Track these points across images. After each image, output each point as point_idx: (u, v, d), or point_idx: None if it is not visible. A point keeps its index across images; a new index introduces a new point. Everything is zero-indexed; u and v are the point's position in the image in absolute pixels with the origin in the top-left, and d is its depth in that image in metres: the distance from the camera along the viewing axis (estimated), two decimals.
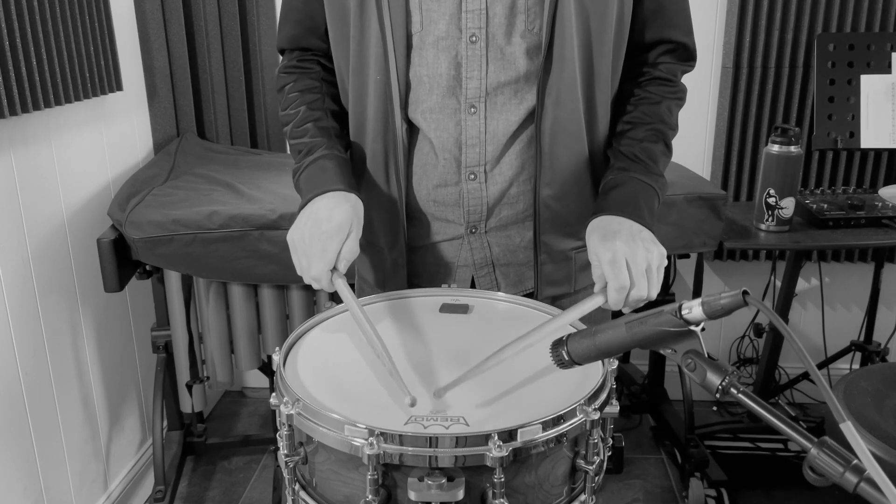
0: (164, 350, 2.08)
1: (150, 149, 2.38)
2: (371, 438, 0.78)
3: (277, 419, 0.89)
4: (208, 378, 2.07)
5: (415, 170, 1.16)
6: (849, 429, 0.61)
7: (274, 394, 0.91)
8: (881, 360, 2.56)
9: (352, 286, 1.06)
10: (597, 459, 0.87)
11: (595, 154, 1.16)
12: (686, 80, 1.22)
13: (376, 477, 0.79)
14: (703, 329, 0.75)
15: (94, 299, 2.05)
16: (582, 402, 0.84)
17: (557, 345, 0.84)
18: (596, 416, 0.84)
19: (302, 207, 1.10)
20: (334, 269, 1.03)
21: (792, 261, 2.37)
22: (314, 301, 1.98)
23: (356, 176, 1.17)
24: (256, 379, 2.89)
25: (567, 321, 0.97)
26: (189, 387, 2.07)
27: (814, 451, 0.67)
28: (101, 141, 2.09)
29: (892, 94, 2.25)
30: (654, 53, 1.18)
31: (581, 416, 0.84)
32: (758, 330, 2.71)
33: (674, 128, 1.18)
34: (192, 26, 2.38)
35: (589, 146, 1.15)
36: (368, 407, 0.87)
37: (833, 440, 0.68)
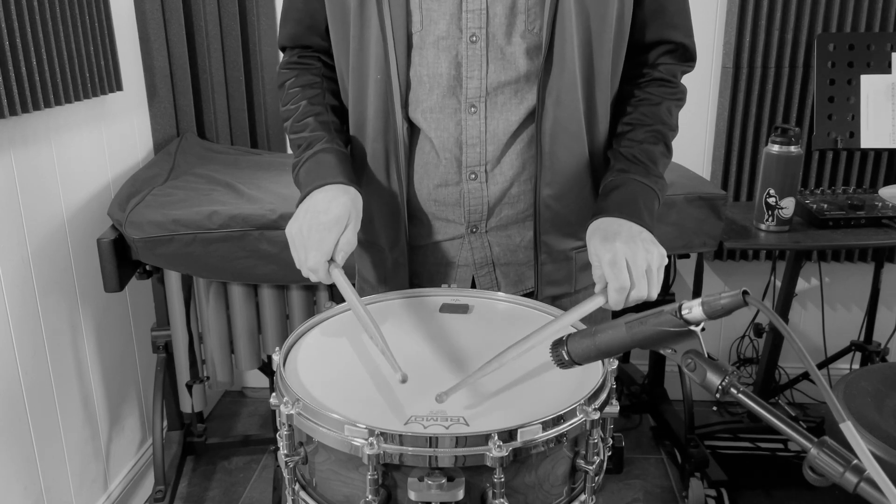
0: (164, 350, 2.08)
1: (150, 149, 2.38)
2: (371, 438, 0.78)
3: (277, 419, 0.89)
4: (208, 378, 2.07)
5: (415, 169, 1.16)
6: (849, 429, 0.61)
7: (274, 394, 0.91)
8: (881, 360, 2.56)
9: (352, 285, 1.06)
10: (597, 459, 0.87)
11: (595, 154, 1.16)
12: (686, 80, 1.22)
13: (376, 477, 0.79)
14: (703, 329, 0.75)
15: (94, 299, 2.05)
16: (582, 402, 0.84)
17: (557, 345, 0.84)
18: (596, 416, 0.84)
19: (301, 201, 1.10)
20: (332, 260, 1.03)
21: (792, 261, 2.37)
22: (314, 301, 1.98)
23: (356, 173, 1.17)
24: (256, 379, 2.89)
25: (568, 322, 0.97)
26: (189, 387, 2.07)
27: (814, 451, 0.67)
28: (101, 141, 2.09)
29: (892, 94, 2.25)
30: (654, 54, 1.19)
31: (581, 416, 0.84)
32: (758, 330, 2.71)
33: (674, 129, 1.18)
34: (192, 26, 2.38)
35: (589, 146, 1.15)
36: (368, 407, 0.87)
37: (833, 440, 0.68)
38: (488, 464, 0.78)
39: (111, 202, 1.94)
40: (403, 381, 0.88)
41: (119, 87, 2.07)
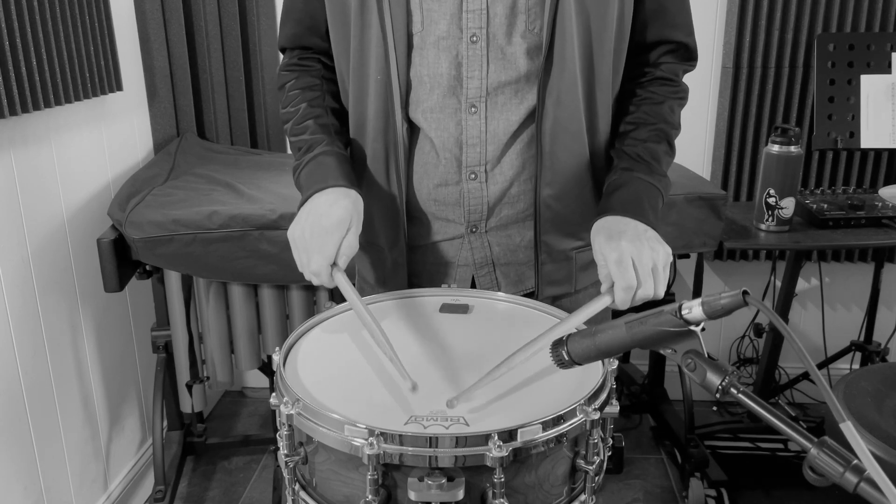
0: (164, 350, 2.08)
1: (150, 149, 2.38)
2: (371, 438, 0.78)
3: (277, 419, 0.89)
4: (208, 378, 2.07)
5: (415, 169, 1.16)
6: (849, 429, 0.61)
7: (274, 394, 0.91)
8: (881, 360, 2.56)
9: (355, 289, 1.06)
10: (597, 459, 0.87)
11: (596, 154, 1.16)
12: (686, 80, 1.22)
13: (376, 477, 0.79)
14: (703, 329, 0.75)
15: (94, 299, 2.05)
16: (582, 402, 0.84)
17: (557, 345, 0.84)
18: (596, 416, 0.84)
19: (302, 204, 1.10)
20: (334, 264, 1.03)
21: (792, 261, 2.37)
22: (314, 301, 1.98)
23: (356, 174, 1.17)
24: (256, 379, 2.89)
25: (575, 323, 0.97)
26: (189, 387, 2.07)
27: (814, 451, 0.67)
28: (101, 141, 2.09)
29: (892, 94, 2.25)
30: (656, 53, 1.19)
31: (581, 416, 0.84)
32: (758, 330, 2.71)
33: (676, 127, 1.18)
34: (192, 26, 2.38)
35: (590, 146, 1.15)
36: (368, 407, 0.87)
37: (833, 440, 0.68)
38: (488, 464, 0.78)
39: (111, 202, 1.94)
40: (413, 389, 0.88)
41: (119, 87, 2.07)
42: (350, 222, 1.05)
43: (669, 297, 2.41)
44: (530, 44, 1.08)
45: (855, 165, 2.51)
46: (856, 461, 0.65)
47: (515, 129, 1.12)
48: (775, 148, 2.06)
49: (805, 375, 2.66)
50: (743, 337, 2.80)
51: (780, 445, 2.55)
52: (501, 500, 0.79)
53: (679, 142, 1.20)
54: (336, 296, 1.95)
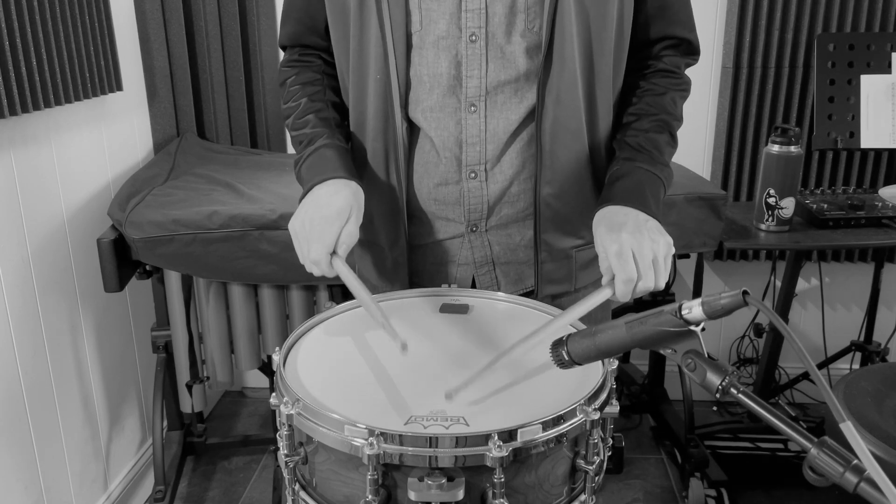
0: (164, 350, 2.08)
1: (150, 149, 2.38)
2: (371, 438, 0.78)
3: (277, 419, 0.89)
4: (208, 378, 2.07)
5: (415, 168, 1.16)
6: (849, 429, 0.61)
7: (274, 394, 0.91)
8: (881, 360, 2.55)
9: (354, 272, 1.07)
10: (597, 459, 0.87)
11: (596, 152, 1.16)
12: None
13: (376, 477, 0.79)
14: (703, 329, 0.75)
15: (94, 299, 2.05)
16: (582, 402, 0.84)
17: (557, 345, 0.84)
18: (596, 416, 0.84)
19: (303, 196, 1.11)
20: (333, 252, 1.04)
21: (792, 261, 2.36)
22: (314, 301, 1.98)
23: (357, 171, 1.17)
24: (256, 379, 2.89)
25: (576, 315, 0.97)
26: (189, 387, 2.06)
27: (814, 451, 0.67)
28: (101, 141, 2.09)
29: (892, 94, 2.25)
30: (658, 48, 1.19)
31: (581, 416, 0.84)
32: (758, 330, 2.71)
33: (678, 119, 1.18)
34: (192, 26, 2.38)
35: (589, 145, 1.15)
36: (368, 407, 0.87)
37: (833, 440, 0.68)
38: (488, 464, 0.78)
39: (111, 202, 1.94)
40: (404, 348, 0.90)
41: (119, 87, 2.07)
42: (350, 212, 1.06)
43: (669, 297, 2.41)
44: (530, 43, 1.08)
45: (855, 165, 2.51)
46: (856, 461, 0.65)
47: (515, 128, 1.12)
48: (775, 148, 2.06)
49: (805, 375, 2.66)
50: (743, 337, 2.80)
51: (780, 445, 2.55)
52: (501, 500, 0.79)
53: (679, 142, 1.20)
54: (336, 296, 1.95)
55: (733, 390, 0.73)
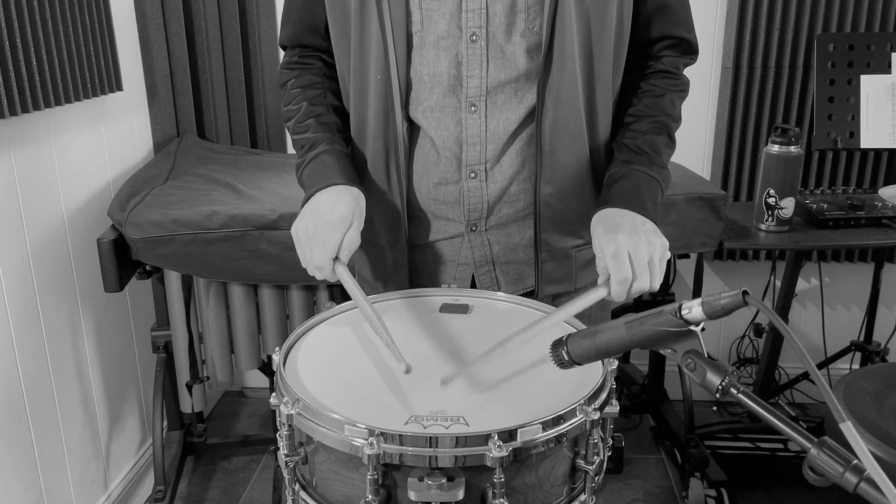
0: (164, 350, 2.08)
1: (150, 149, 2.38)
2: (371, 438, 0.78)
3: (277, 419, 0.89)
4: (208, 378, 2.07)
5: (415, 168, 1.17)
6: (849, 429, 0.61)
7: (274, 394, 0.91)
8: (881, 360, 2.55)
9: (356, 282, 1.07)
10: (597, 459, 0.87)
11: (596, 152, 1.17)
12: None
13: (376, 477, 0.79)
14: (703, 329, 0.75)
15: (94, 299, 2.05)
16: (582, 402, 0.84)
17: (557, 345, 0.84)
18: (596, 416, 0.84)
19: (305, 201, 1.12)
20: (336, 258, 1.05)
21: (792, 261, 2.36)
22: (314, 301, 1.98)
23: (357, 172, 1.17)
24: (256, 379, 2.89)
25: (571, 312, 0.98)
26: (189, 387, 2.06)
27: (814, 451, 0.67)
28: (101, 141, 2.09)
29: (892, 94, 2.25)
30: (658, 48, 1.20)
31: (581, 416, 0.84)
32: (758, 330, 2.71)
33: (677, 120, 1.19)
34: (192, 26, 2.38)
35: (589, 144, 1.15)
36: (368, 407, 0.87)
37: (833, 440, 0.68)
38: (488, 464, 0.78)
39: (111, 202, 1.94)
40: (407, 371, 0.90)
41: (119, 88, 2.07)
42: (352, 218, 1.07)
43: (669, 297, 2.41)
44: (530, 43, 1.08)
45: (855, 165, 2.51)
46: (856, 461, 0.65)
47: (515, 128, 1.12)
48: (775, 148, 2.06)
49: (805, 375, 2.66)
50: (743, 337, 2.80)
51: (780, 445, 2.55)
52: (501, 500, 0.79)
53: (679, 142, 1.21)
54: (336, 296, 1.95)
55: (733, 390, 0.73)
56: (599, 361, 0.90)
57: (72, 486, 1.96)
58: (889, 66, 2.26)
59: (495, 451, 0.77)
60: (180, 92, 2.40)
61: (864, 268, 2.68)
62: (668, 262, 2.45)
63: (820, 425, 2.56)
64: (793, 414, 2.67)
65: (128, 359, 2.27)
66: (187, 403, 2.09)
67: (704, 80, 2.51)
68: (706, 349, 0.75)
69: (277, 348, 0.96)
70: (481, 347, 1.00)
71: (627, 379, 2.74)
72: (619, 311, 2.47)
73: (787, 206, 2.08)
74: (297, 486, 0.90)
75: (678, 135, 1.20)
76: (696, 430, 2.36)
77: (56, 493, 1.88)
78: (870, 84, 2.25)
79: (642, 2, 1.14)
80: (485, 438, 0.78)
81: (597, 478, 0.88)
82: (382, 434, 0.78)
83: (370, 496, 0.79)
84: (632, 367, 2.81)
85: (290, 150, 2.53)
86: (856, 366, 2.71)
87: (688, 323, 0.73)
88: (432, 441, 0.78)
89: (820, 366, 2.63)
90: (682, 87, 1.20)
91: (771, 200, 2.08)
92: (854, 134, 2.25)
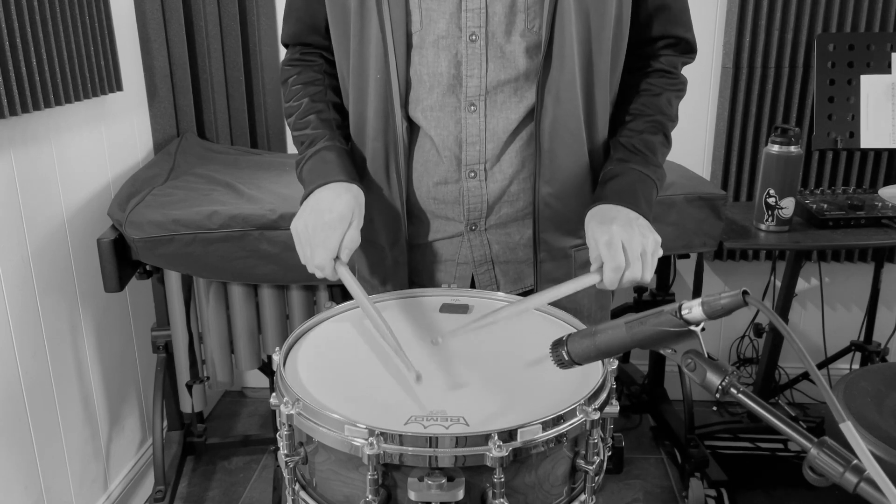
0: (164, 350, 2.08)
1: (150, 149, 2.38)
2: (371, 438, 0.78)
3: (277, 419, 0.89)
4: (208, 378, 2.07)
5: (415, 168, 1.17)
6: (849, 429, 0.61)
7: (274, 394, 0.91)
8: (881, 360, 2.55)
9: (358, 282, 1.07)
10: (597, 459, 0.87)
11: (595, 152, 1.17)
12: (686, 80, 1.23)
13: (376, 477, 0.79)
14: (703, 329, 0.75)
15: (94, 299, 2.05)
16: (582, 402, 0.84)
17: (557, 345, 0.84)
18: (596, 416, 0.84)
19: (305, 198, 1.12)
20: (336, 258, 1.05)
21: (792, 261, 2.36)
22: (314, 301, 1.98)
23: (357, 171, 1.18)
24: (256, 379, 2.89)
25: (563, 293, 0.99)
26: (189, 387, 2.06)
27: (814, 451, 0.67)
28: (101, 141, 2.09)
29: (892, 94, 2.25)
30: (656, 47, 1.20)
31: (581, 416, 0.84)
32: (758, 330, 2.71)
33: (673, 119, 1.19)
34: (192, 26, 2.38)
35: (588, 144, 1.15)
36: (368, 407, 0.87)
37: (833, 440, 0.68)
38: (488, 464, 0.78)
39: (111, 202, 1.94)
40: (418, 379, 0.90)
41: (119, 87, 2.07)
42: (352, 216, 1.07)
43: (669, 297, 2.41)
44: (529, 42, 1.08)
45: (855, 165, 2.51)
46: (856, 461, 0.65)
47: (515, 128, 1.12)
48: (775, 148, 2.06)
49: (805, 375, 2.66)
50: (743, 337, 2.80)
51: (780, 445, 2.55)
52: (501, 500, 0.79)
53: (679, 142, 1.21)
54: (335, 296, 1.95)
55: (733, 390, 0.73)
56: (599, 361, 0.90)
57: (72, 486, 1.96)
58: (889, 66, 2.26)
59: (495, 451, 0.77)
60: (180, 92, 2.40)
61: (864, 268, 2.68)
62: (668, 261, 2.45)
63: (820, 425, 2.56)
64: (793, 414, 2.67)
65: (128, 359, 2.27)
66: (187, 403, 2.09)
67: (704, 80, 2.51)
68: (706, 349, 0.75)
69: (277, 348, 0.96)
70: (481, 348, 1.00)
71: (627, 379, 2.74)
72: (619, 312, 2.47)
73: (787, 206, 2.08)
74: (297, 486, 0.90)
75: (678, 134, 1.21)
76: (696, 430, 2.36)
77: (56, 493, 1.88)
78: (870, 84, 2.25)
79: (641, 1, 1.14)
80: (485, 438, 0.78)
81: (597, 478, 0.88)
82: (382, 434, 0.78)
83: (370, 496, 0.79)
84: (632, 367, 2.81)
85: (291, 150, 2.53)
86: (856, 366, 2.71)
87: (688, 323, 0.73)
88: (432, 441, 0.78)
89: (820, 366, 2.63)
90: (680, 87, 1.21)
91: (771, 200, 2.08)
92: (854, 134, 2.25)
